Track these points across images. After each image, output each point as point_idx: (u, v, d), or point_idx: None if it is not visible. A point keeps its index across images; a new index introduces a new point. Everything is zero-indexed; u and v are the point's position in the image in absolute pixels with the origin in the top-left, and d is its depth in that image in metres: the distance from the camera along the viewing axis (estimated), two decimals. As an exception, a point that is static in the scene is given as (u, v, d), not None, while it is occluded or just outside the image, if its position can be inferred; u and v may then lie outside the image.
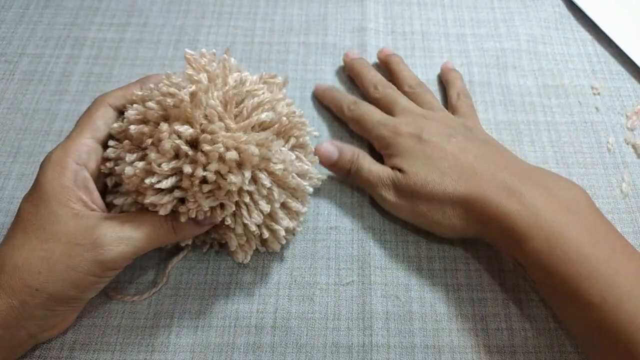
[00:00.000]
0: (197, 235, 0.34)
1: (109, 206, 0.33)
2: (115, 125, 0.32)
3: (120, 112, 0.34)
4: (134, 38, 0.50)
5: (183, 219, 0.30)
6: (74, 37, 0.50)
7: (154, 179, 0.29)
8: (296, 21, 0.52)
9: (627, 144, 0.45)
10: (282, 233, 0.33)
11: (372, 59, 0.49)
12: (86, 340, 0.34)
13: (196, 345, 0.34)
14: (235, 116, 0.31)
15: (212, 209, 0.30)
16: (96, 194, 0.31)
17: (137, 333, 0.35)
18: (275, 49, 0.50)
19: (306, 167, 0.34)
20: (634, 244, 0.39)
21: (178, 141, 0.29)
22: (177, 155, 0.29)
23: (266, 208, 0.31)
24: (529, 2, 0.55)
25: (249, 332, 0.35)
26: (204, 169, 0.29)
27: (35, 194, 0.30)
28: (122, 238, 0.29)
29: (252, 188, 0.30)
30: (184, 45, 0.50)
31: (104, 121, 0.33)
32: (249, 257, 0.35)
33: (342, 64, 0.49)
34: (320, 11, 0.53)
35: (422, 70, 0.49)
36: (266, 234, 0.33)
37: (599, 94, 0.48)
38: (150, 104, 0.30)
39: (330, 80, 0.48)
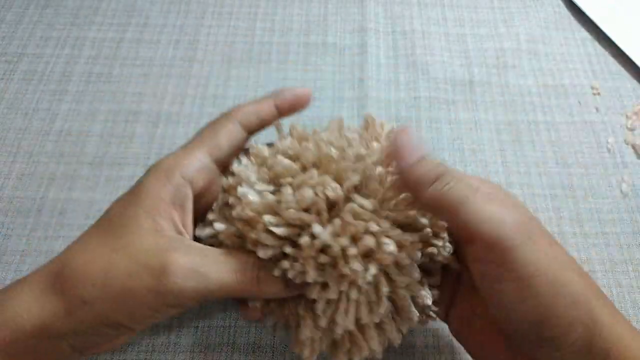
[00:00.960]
0: (269, 301, 0.29)
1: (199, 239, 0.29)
2: (261, 146, 0.29)
3: (249, 132, 0.30)
4: (134, 38, 0.50)
5: (277, 273, 0.26)
6: (74, 37, 0.50)
7: (273, 219, 0.25)
8: (296, 21, 0.52)
9: (627, 144, 0.45)
10: (359, 356, 0.28)
11: (372, 58, 0.49)
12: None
13: (196, 345, 0.34)
14: (383, 201, 0.26)
15: (313, 283, 0.26)
16: (190, 218, 0.28)
17: (137, 333, 0.35)
18: (275, 49, 0.50)
19: (426, 296, 0.28)
20: (633, 244, 0.39)
21: (321, 195, 0.25)
22: (307, 210, 0.26)
23: (366, 317, 0.26)
24: (529, 2, 0.55)
25: (249, 332, 0.35)
26: (332, 238, 0.25)
27: (129, 196, 0.27)
28: (195, 272, 0.25)
29: (365, 286, 0.26)
30: (184, 45, 0.50)
31: (228, 139, 0.29)
32: (314, 358, 0.28)
33: (342, 64, 0.49)
34: (320, 11, 0.53)
35: (423, 69, 0.49)
36: (346, 346, 0.27)
37: (598, 94, 0.48)
38: (309, 145, 0.27)
39: (329, 80, 0.48)
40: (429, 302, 0.28)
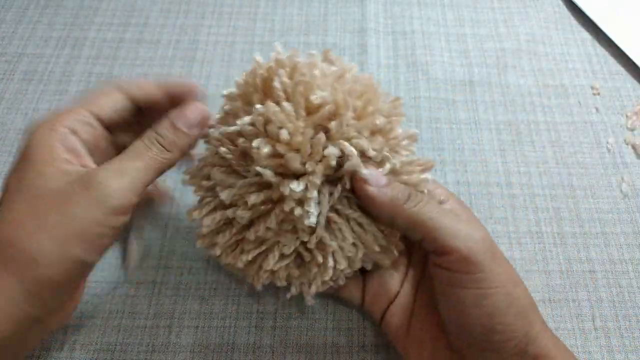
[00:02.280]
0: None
1: None
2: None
3: (135, 103, 0.30)
4: (134, 38, 0.50)
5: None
6: (74, 37, 0.50)
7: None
8: (296, 21, 0.52)
9: (627, 144, 0.45)
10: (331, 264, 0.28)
11: (372, 58, 0.49)
12: (86, 340, 0.34)
13: (196, 345, 0.34)
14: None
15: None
16: (88, 160, 0.28)
17: (137, 333, 0.35)
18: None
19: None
20: (633, 244, 0.39)
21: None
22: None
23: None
24: (529, 2, 0.55)
25: (249, 332, 0.35)
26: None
27: (20, 162, 0.27)
28: (120, 170, 0.26)
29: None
30: (184, 45, 0.50)
31: (110, 102, 0.29)
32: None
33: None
34: (320, 11, 0.53)
35: (423, 69, 0.49)
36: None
37: (598, 94, 0.48)
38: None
39: (330, 80, 0.48)
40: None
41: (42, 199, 0.25)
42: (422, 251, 0.32)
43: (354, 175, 0.27)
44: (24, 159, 0.27)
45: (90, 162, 0.28)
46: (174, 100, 0.31)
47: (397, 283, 0.32)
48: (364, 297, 0.33)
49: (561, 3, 0.55)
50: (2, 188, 0.27)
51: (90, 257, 0.26)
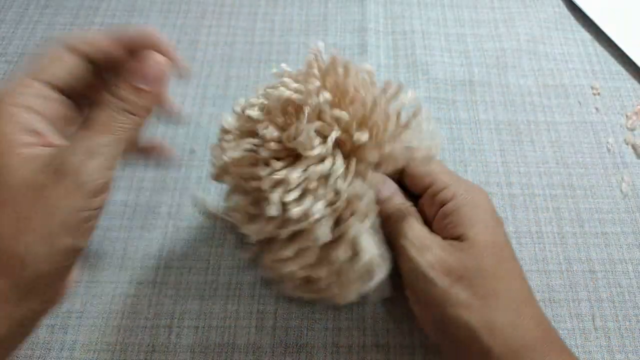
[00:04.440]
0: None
1: None
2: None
3: (92, 62, 0.28)
4: (134, 38, 0.50)
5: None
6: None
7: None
8: (296, 21, 0.52)
9: (627, 144, 0.45)
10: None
11: (372, 58, 0.49)
12: (86, 340, 0.34)
13: (196, 345, 0.34)
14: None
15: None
16: (53, 136, 0.25)
17: (137, 333, 0.35)
18: (276, 49, 0.50)
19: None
20: (634, 244, 0.39)
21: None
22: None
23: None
24: (529, 2, 0.55)
25: (249, 332, 0.35)
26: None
27: None
28: (89, 149, 0.24)
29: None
30: (184, 45, 0.50)
31: (63, 67, 0.27)
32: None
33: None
34: (320, 11, 0.53)
35: (423, 69, 0.49)
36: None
37: (598, 94, 0.48)
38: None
39: (330, 80, 0.48)
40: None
41: (14, 194, 0.23)
42: None
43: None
44: None
45: (55, 139, 0.25)
46: (135, 52, 0.28)
47: None
48: None
49: (561, 3, 0.55)
50: None
51: (80, 243, 0.25)
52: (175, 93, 0.47)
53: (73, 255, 0.25)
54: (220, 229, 0.39)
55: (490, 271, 0.28)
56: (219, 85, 0.47)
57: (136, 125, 0.26)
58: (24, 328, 0.25)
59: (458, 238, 0.29)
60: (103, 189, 0.25)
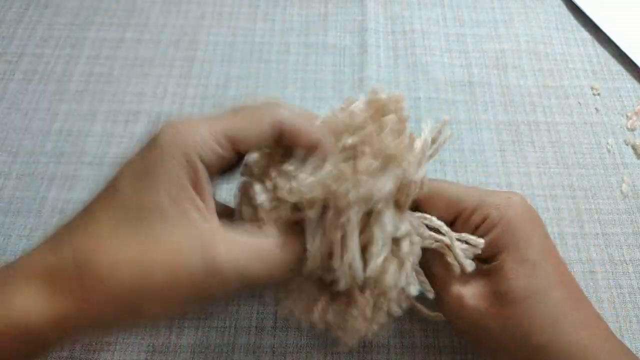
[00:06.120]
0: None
1: None
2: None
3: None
4: (134, 38, 0.50)
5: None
6: (74, 37, 0.50)
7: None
8: (296, 21, 0.52)
9: (627, 144, 0.45)
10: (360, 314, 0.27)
11: (372, 59, 0.49)
12: (86, 340, 0.34)
13: (197, 345, 0.34)
14: None
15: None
16: (213, 203, 0.24)
17: (138, 333, 0.35)
18: (276, 49, 0.50)
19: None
20: (633, 245, 0.39)
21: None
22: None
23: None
24: (529, 3, 0.55)
25: (249, 332, 0.35)
26: None
27: (142, 172, 0.23)
28: (239, 267, 0.23)
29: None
30: (184, 45, 0.50)
31: (257, 130, 0.25)
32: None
33: (342, 64, 0.49)
34: (320, 11, 0.53)
35: (423, 69, 0.49)
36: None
37: (598, 94, 0.48)
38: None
39: (330, 80, 0.48)
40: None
41: (153, 242, 0.22)
42: None
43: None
44: (150, 177, 0.23)
45: (213, 209, 0.24)
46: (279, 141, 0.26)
47: None
48: None
49: (561, 3, 0.55)
50: (112, 183, 0.24)
51: (157, 317, 0.24)
52: (175, 93, 0.47)
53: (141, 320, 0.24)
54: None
55: (521, 292, 0.26)
56: (219, 85, 0.47)
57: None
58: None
59: (489, 259, 0.28)
60: (229, 285, 0.23)
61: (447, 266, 0.28)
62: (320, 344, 0.35)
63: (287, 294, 0.29)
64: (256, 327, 0.35)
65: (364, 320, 0.27)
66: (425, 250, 0.28)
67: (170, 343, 0.34)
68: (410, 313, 0.36)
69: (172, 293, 0.22)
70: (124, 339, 0.34)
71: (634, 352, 0.35)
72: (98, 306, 0.21)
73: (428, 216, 0.28)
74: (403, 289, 0.27)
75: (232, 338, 0.35)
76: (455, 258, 0.28)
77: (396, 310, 0.27)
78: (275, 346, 0.34)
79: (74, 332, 0.22)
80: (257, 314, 0.36)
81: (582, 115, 0.46)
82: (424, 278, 0.30)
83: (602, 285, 0.38)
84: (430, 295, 0.28)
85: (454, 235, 0.28)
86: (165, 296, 0.22)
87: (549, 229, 0.40)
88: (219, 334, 0.35)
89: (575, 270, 0.38)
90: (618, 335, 0.35)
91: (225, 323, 0.35)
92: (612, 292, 0.37)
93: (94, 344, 0.34)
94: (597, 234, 0.40)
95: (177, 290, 0.22)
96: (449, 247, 0.28)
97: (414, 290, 0.27)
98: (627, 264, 0.39)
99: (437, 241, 0.28)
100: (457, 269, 0.28)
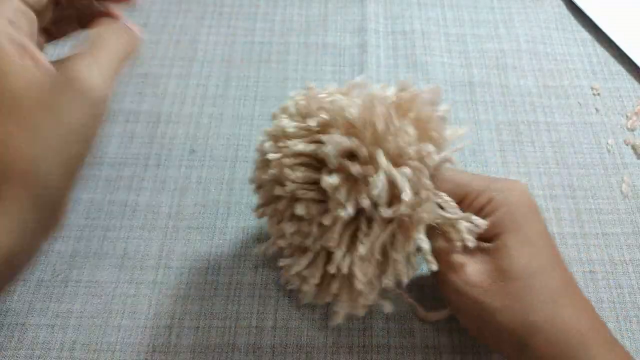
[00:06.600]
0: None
1: None
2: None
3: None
4: (134, 38, 0.50)
5: None
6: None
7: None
8: (296, 21, 0.52)
9: (627, 144, 0.45)
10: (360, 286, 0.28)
11: (372, 58, 0.49)
12: (86, 340, 0.34)
13: (196, 345, 0.34)
14: None
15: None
16: (40, 55, 0.24)
17: (137, 333, 0.35)
18: (275, 49, 0.50)
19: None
20: (633, 245, 0.39)
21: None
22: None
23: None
24: (528, 3, 0.55)
25: (249, 332, 0.35)
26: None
27: None
28: (90, 61, 0.25)
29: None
30: (184, 45, 0.50)
31: None
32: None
33: (342, 64, 0.49)
34: (320, 11, 0.53)
35: (423, 69, 0.49)
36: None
37: (598, 94, 0.48)
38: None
39: (330, 80, 0.48)
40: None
41: (20, 103, 0.23)
42: None
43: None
44: None
45: (42, 59, 0.24)
46: None
47: None
48: None
49: (561, 3, 0.55)
50: None
51: (87, 151, 0.25)
52: (175, 93, 0.47)
53: (80, 165, 0.25)
54: (220, 229, 0.39)
55: (522, 269, 0.27)
56: (219, 85, 0.47)
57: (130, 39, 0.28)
58: (32, 244, 0.25)
59: (491, 239, 0.29)
60: (107, 97, 0.25)
61: (451, 242, 0.29)
62: (320, 344, 0.35)
63: (294, 264, 0.30)
64: (256, 327, 0.35)
65: (367, 286, 0.28)
66: (430, 227, 0.29)
67: (170, 343, 0.34)
68: (411, 313, 0.36)
69: (64, 118, 0.23)
70: (123, 338, 0.34)
71: (635, 353, 0.35)
72: (28, 191, 0.22)
73: (439, 192, 0.29)
74: (409, 256, 0.28)
75: (232, 338, 0.35)
76: (459, 233, 0.28)
77: (404, 273, 0.28)
78: (275, 346, 0.34)
79: (28, 220, 0.23)
80: (257, 314, 0.36)
81: (582, 115, 0.46)
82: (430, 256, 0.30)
83: (602, 285, 0.38)
84: (434, 267, 0.29)
85: (460, 213, 0.29)
86: (63, 125, 0.23)
87: (549, 229, 0.40)
88: (219, 334, 0.35)
89: (575, 270, 0.38)
90: (618, 336, 0.36)
91: (225, 323, 0.35)
92: (612, 292, 0.37)
93: (93, 343, 0.34)
94: (597, 234, 0.40)
95: (66, 113, 0.23)
96: (453, 224, 0.28)
97: (425, 245, 0.28)
98: (627, 264, 0.39)
99: (443, 218, 0.29)
100: (459, 243, 0.28)
